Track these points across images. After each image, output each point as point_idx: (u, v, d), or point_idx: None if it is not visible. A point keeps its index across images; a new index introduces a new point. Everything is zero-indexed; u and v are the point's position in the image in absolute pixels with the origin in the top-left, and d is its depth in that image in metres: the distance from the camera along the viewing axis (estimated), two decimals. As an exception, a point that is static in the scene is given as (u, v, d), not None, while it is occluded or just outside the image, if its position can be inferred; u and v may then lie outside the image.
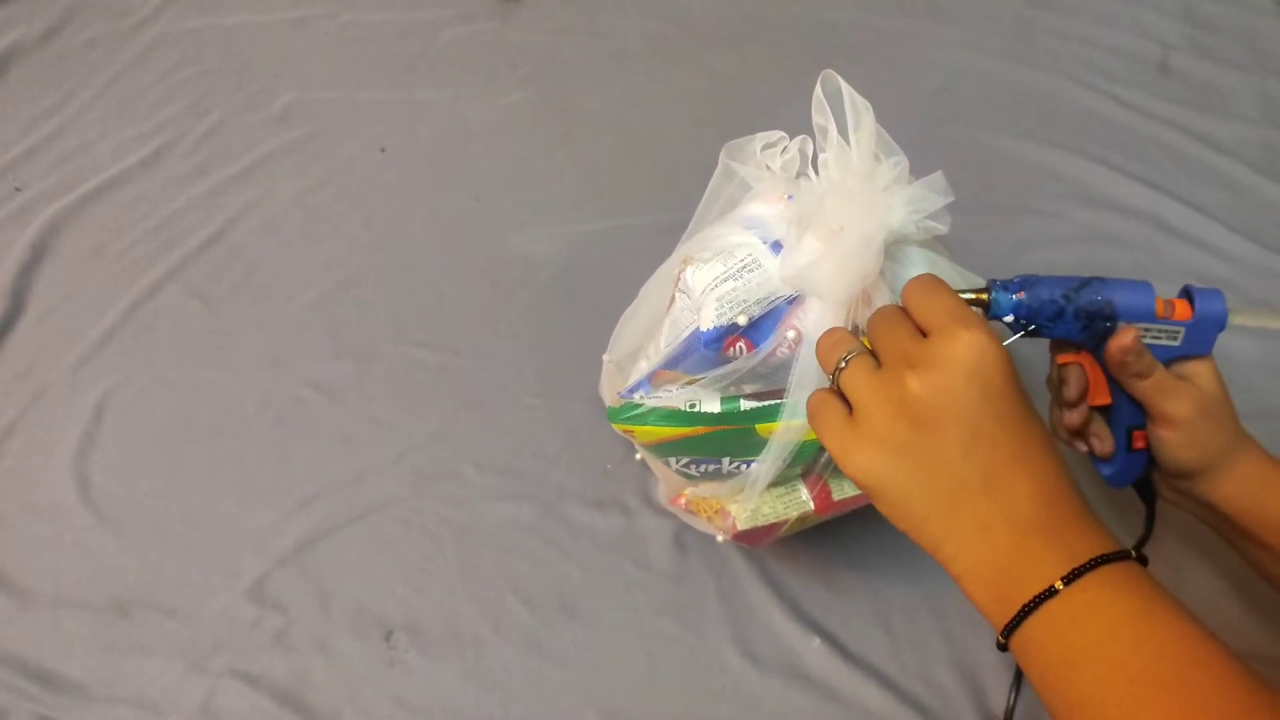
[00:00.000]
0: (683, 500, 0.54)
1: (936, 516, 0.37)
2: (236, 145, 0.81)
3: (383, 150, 0.81)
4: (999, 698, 0.54)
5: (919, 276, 0.42)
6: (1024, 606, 0.35)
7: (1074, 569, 0.35)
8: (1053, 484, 0.38)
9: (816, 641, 0.56)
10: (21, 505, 0.62)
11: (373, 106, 0.84)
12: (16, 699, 0.54)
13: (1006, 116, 0.82)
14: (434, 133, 0.82)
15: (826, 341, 0.42)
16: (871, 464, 0.38)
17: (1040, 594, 0.35)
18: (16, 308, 0.71)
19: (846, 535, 0.59)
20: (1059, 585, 0.35)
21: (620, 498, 0.62)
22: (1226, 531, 0.50)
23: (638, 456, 0.61)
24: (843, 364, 0.40)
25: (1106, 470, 0.51)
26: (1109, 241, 0.74)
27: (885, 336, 0.40)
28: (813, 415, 0.41)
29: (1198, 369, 0.48)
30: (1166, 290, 0.48)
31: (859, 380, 0.39)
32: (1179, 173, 0.78)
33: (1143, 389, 0.47)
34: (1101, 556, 0.35)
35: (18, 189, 0.77)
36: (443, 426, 0.65)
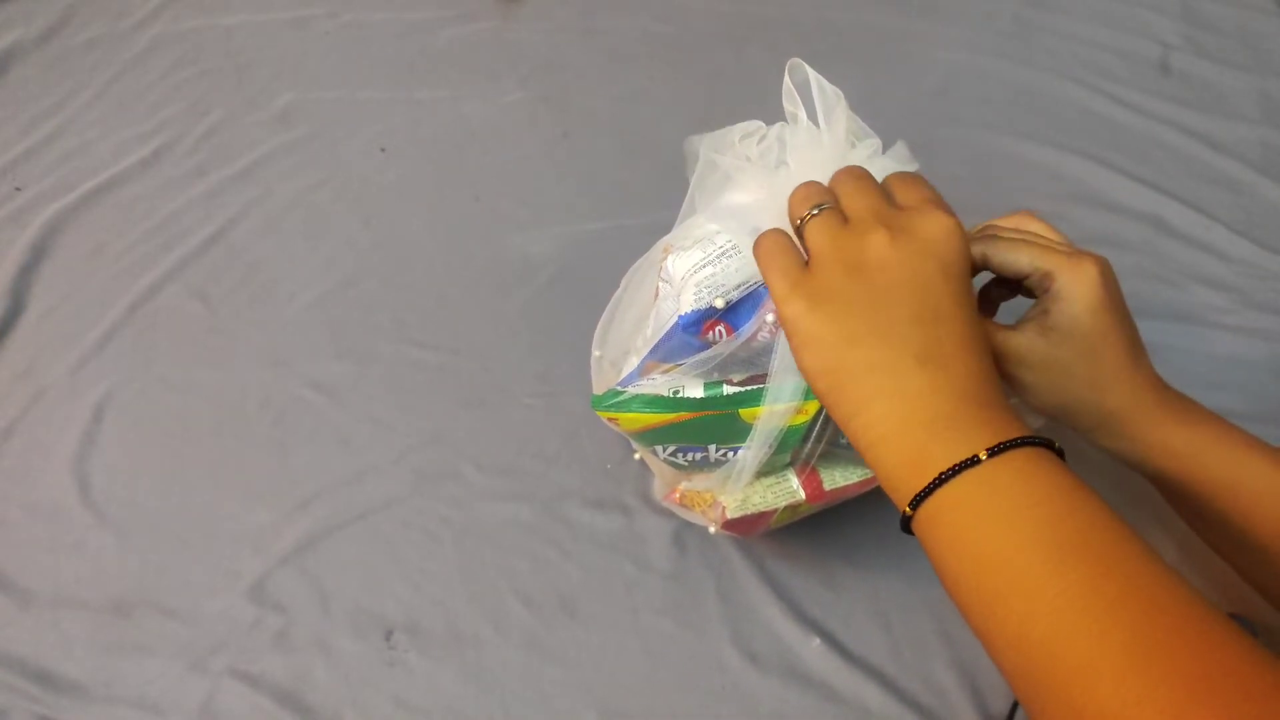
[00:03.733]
0: (677, 495, 0.54)
1: (869, 377, 0.37)
2: (236, 145, 0.80)
3: (383, 150, 0.81)
4: (998, 698, 0.54)
5: (904, 172, 0.42)
6: (946, 471, 0.35)
7: (1002, 442, 0.35)
8: (987, 373, 0.38)
9: (816, 641, 0.56)
10: (21, 505, 0.62)
11: (373, 106, 0.84)
12: (16, 699, 0.54)
13: (1006, 116, 0.82)
14: (434, 133, 0.82)
15: (799, 192, 0.41)
16: (815, 314, 0.38)
17: (965, 460, 0.34)
18: (16, 308, 0.71)
19: (846, 534, 0.59)
20: (982, 455, 0.34)
21: (620, 497, 0.62)
22: (1162, 491, 0.46)
23: (636, 456, 0.61)
24: (813, 213, 0.40)
25: None
26: (1109, 242, 0.74)
27: (857, 195, 0.40)
28: (766, 254, 0.41)
29: (1053, 315, 0.42)
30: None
31: (826, 231, 0.39)
32: (1179, 173, 0.78)
33: None
34: (1029, 438, 0.35)
35: (18, 189, 0.77)
36: (443, 426, 0.65)
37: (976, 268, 0.44)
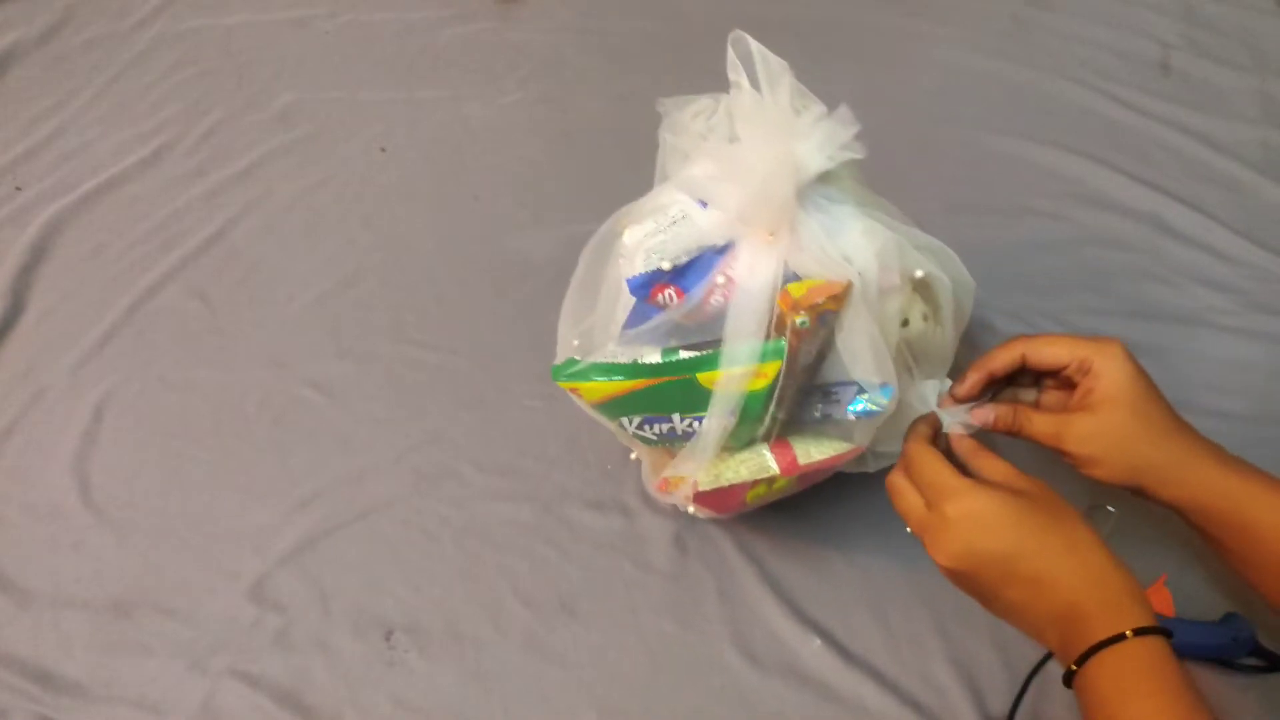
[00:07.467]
0: (664, 482, 0.54)
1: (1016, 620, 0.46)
2: (236, 145, 0.81)
3: (383, 150, 0.81)
4: (996, 697, 0.54)
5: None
6: (1085, 652, 0.41)
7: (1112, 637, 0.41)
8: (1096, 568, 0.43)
9: (816, 641, 0.56)
10: (21, 505, 0.62)
11: (373, 106, 0.84)
12: (16, 699, 0.54)
13: (1006, 116, 0.82)
14: (434, 133, 0.82)
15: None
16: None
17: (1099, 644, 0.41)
18: (16, 308, 0.71)
19: (846, 535, 0.59)
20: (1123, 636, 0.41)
21: (620, 498, 0.62)
22: (1203, 535, 0.50)
23: (633, 456, 0.61)
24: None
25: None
26: (1109, 242, 0.74)
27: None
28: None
29: (1098, 390, 0.48)
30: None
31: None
32: (1179, 173, 0.78)
33: (1033, 438, 0.50)
34: (1146, 628, 0.41)
35: (18, 189, 0.78)
36: (442, 426, 0.65)
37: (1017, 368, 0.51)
